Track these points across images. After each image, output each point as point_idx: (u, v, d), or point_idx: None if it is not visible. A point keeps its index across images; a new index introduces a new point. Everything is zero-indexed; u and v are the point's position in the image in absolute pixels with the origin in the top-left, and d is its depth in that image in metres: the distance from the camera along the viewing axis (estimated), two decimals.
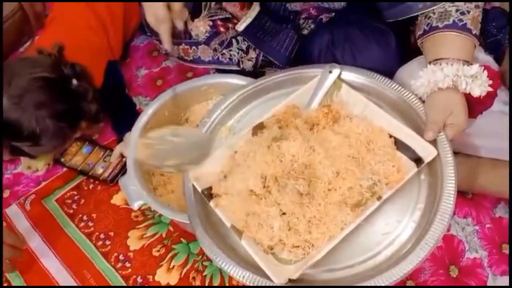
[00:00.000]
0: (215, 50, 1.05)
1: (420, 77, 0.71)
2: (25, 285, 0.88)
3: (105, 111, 0.95)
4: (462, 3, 0.71)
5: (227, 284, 0.85)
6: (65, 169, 1.05)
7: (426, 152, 0.66)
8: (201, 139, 0.79)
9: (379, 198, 0.63)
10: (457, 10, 0.71)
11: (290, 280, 0.60)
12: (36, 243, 0.93)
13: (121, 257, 0.90)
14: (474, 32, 0.71)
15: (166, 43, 0.83)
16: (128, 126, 0.91)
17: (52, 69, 0.83)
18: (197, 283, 0.86)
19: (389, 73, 0.81)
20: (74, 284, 0.87)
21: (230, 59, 1.05)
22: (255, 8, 0.97)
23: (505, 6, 0.98)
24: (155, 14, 0.81)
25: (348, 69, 0.79)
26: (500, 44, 0.83)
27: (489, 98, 0.71)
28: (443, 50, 0.71)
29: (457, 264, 0.85)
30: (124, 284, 0.87)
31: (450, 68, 0.67)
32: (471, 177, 0.84)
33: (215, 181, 0.70)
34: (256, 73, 1.06)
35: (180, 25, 0.83)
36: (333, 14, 0.97)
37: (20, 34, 1.25)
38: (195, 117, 0.99)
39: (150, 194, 0.82)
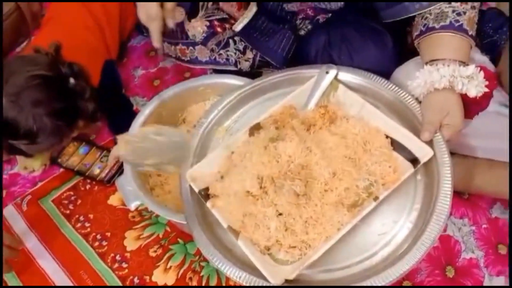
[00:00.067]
0: (212, 50, 1.06)
1: (417, 77, 0.71)
2: (21, 285, 0.88)
3: (102, 111, 0.95)
4: (458, 4, 0.72)
5: (224, 285, 0.85)
6: (61, 169, 1.05)
7: (423, 152, 0.67)
8: (183, 139, 0.79)
9: (375, 198, 0.63)
10: (453, 11, 0.72)
11: (286, 281, 0.60)
12: (32, 243, 0.93)
13: (117, 257, 0.90)
14: (470, 33, 0.71)
15: (155, 41, 0.83)
16: (125, 127, 0.90)
17: (50, 68, 0.82)
18: (194, 283, 0.86)
19: (386, 74, 0.82)
20: (71, 285, 0.87)
21: (227, 59, 1.05)
22: (252, 9, 0.97)
23: (501, 6, 0.99)
24: (147, 11, 0.81)
25: (345, 70, 0.79)
26: (496, 45, 0.83)
27: (485, 99, 0.71)
28: (440, 51, 0.71)
29: (453, 264, 0.85)
30: (121, 285, 0.86)
31: (446, 69, 0.68)
32: (468, 178, 0.85)
33: (212, 181, 0.70)
34: (253, 73, 1.06)
35: (170, 24, 0.83)
36: (330, 14, 0.97)
37: (17, 34, 1.25)
38: (192, 117, 0.99)
39: (147, 195, 0.82)
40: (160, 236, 0.93)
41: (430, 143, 0.67)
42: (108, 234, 0.94)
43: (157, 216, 0.95)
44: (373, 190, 0.64)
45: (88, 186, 1.02)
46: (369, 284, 0.59)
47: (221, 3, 1.05)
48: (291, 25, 0.99)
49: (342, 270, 0.63)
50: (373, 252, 0.63)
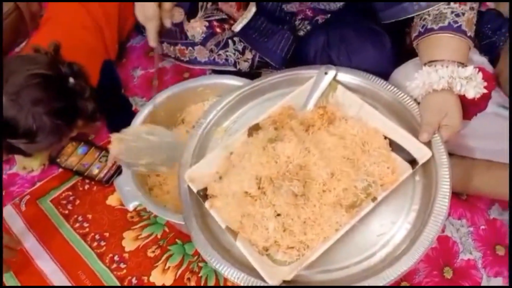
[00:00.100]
0: (211, 51, 1.06)
1: (415, 78, 0.71)
2: (19, 285, 0.88)
3: (101, 111, 0.95)
4: (457, 5, 0.72)
5: (222, 285, 0.85)
6: (60, 169, 1.04)
7: (421, 153, 0.67)
8: (175, 140, 0.80)
9: (374, 199, 0.64)
10: (452, 12, 0.72)
11: (284, 281, 0.60)
12: (30, 243, 0.93)
13: (116, 258, 0.90)
14: (468, 34, 0.71)
15: (151, 41, 0.84)
16: (124, 127, 0.90)
17: (50, 67, 0.82)
18: (192, 284, 0.86)
19: (385, 74, 0.82)
20: (69, 285, 0.87)
21: (226, 60, 1.05)
22: (251, 9, 0.97)
23: (500, 7, 0.99)
24: (144, 10, 0.81)
25: (344, 71, 0.79)
26: (495, 46, 0.84)
27: (484, 100, 0.71)
28: (438, 52, 0.71)
29: (451, 265, 0.85)
30: (119, 285, 0.86)
31: (445, 70, 0.68)
32: (466, 179, 0.85)
33: (211, 182, 0.70)
34: (252, 74, 1.06)
35: (167, 24, 0.83)
36: (329, 15, 0.97)
37: (16, 34, 1.25)
38: (191, 117, 0.99)
39: (145, 195, 0.82)
40: (159, 236, 0.93)
41: (428, 144, 0.68)
42: (107, 234, 0.93)
43: (155, 216, 0.95)
44: (372, 190, 0.64)
45: (86, 186, 1.02)
46: (367, 285, 0.59)
47: (220, 4, 1.05)
48: (290, 25, 0.99)
49: (340, 271, 0.63)
50: (371, 252, 0.64)
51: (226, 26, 1.04)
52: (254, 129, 0.73)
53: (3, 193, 1.01)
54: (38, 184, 1.03)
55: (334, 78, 0.78)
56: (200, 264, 0.88)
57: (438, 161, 0.66)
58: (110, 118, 1.08)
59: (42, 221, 0.96)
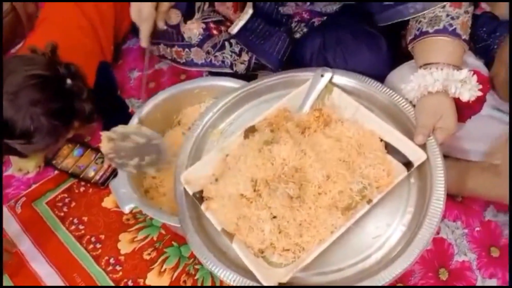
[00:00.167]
0: (208, 52, 1.06)
1: (411, 81, 0.71)
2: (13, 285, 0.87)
3: (98, 112, 0.95)
4: (451, 9, 0.72)
5: (218, 285, 0.85)
6: (56, 171, 1.04)
7: (416, 155, 0.67)
8: (161, 142, 0.81)
9: (369, 201, 0.64)
10: (447, 15, 0.72)
11: (280, 284, 0.60)
12: (26, 246, 0.92)
13: (111, 260, 0.90)
14: (463, 37, 0.71)
15: (144, 41, 0.84)
16: None
17: (47, 68, 0.83)
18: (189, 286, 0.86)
19: (380, 77, 0.82)
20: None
21: (223, 61, 1.05)
22: (248, 11, 0.97)
23: (495, 10, 1.00)
24: (139, 10, 0.81)
25: (340, 73, 0.79)
26: (490, 49, 0.84)
27: (478, 103, 0.71)
28: (433, 55, 0.71)
29: (446, 267, 0.85)
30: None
31: (440, 73, 0.68)
32: (461, 181, 0.85)
33: (207, 184, 0.70)
34: (248, 76, 1.06)
35: (161, 26, 0.83)
36: (325, 17, 0.98)
37: (12, 35, 1.24)
38: (187, 119, 0.99)
39: (141, 198, 0.82)
40: (155, 238, 0.92)
41: (423, 146, 0.68)
42: (102, 236, 0.93)
43: (151, 218, 0.95)
44: (367, 193, 0.64)
45: (82, 189, 1.02)
46: (363, 285, 0.59)
47: (217, 6, 1.06)
48: (286, 28, 0.99)
49: (336, 273, 0.63)
50: (367, 254, 0.64)
51: (223, 28, 1.04)
52: (250, 131, 0.73)
53: None
54: (34, 186, 1.02)
55: (330, 81, 0.78)
56: (196, 267, 0.88)
57: (433, 163, 0.67)
58: (106, 120, 1.08)
59: (37, 224, 0.96)
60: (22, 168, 1.04)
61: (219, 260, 0.63)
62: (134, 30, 1.26)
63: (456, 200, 0.93)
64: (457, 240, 0.88)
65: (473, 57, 0.83)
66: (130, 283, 0.87)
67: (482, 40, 0.86)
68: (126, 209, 0.81)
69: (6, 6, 1.18)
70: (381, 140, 0.71)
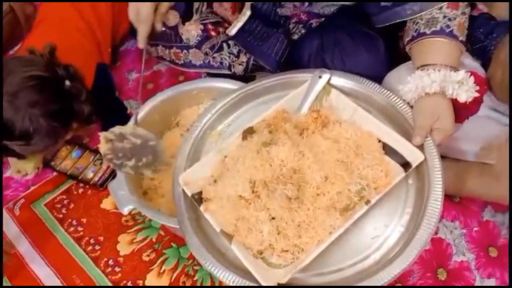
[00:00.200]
0: (206, 54, 1.06)
1: (408, 82, 0.71)
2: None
3: (96, 114, 0.95)
4: (449, 10, 0.73)
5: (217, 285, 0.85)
6: (54, 173, 1.04)
7: (414, 156, 0.67)
8: (157, 144, 0.81)
9: (367, 202, 0.64)
10: (444, 17, 0.72)
11: (279, 284, 0.60)
12: (25, 248, 0.92)
13: (110, 262, 0.90)
14: (460, 39, 0.72)
15: (141, 43, 0.84)
16: None
17: (46, 69, 0.83)
18: None
19: (378, 78, 0.82)
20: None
21: (221, 63, 1.06)
22: (246, 13, 0.97)
23: (493, 11, 1.00)
24: (138, 11, 0.81)
25: (338, 74, 0.79)
26: (487, 50, 0.84)
27: (476, 104, 0.72)
28: (431, 56, 0.72)
29: (445, 267, 0.86)
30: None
31: (437, 74, 0.68)
32: (459, 181, 0.86)
33: (205, 185, 0.70)
34: (246, 77, 1.06)
35: (159, 27, 0.84)
36: (323, 19, 0.98)
37: (11, 36, 1.24)
38: (185, 121, 0.99)
39: (139, 199, 0.82)
40: (154, 240, 0.93)
41: (421, 147, 0.68)
42: (101, 238, 0.93)
43: (150, 220, 0.95)
44: (365, 194, 0.65)
45: (81, 190, 1.02)
46: (362, 285, 0.59)
47: (215, 7, 1.06)
48: (284, 29, 0.99)
49: (334, 274, 0.63)
50: (365, 255, 0.64)
51: (221, 29, 1.04)
52: (249, 132, 0.74)
53: None
54: (32, 188, 1.02)
55: (328, 82, 0.78)
56: (196, 268, 0.88)
57: (431, 164, 0.67)
58: (105, 121, 1.08)
59: (36, 225, 0.96)
60: (21, 169, 1.04)
61: (218, 261, 0.63)
62: (132, 32, 1.26)
63: (454, 201, 0.94)
64: (455, 240, 0.89)
65: (470, 58, 0.83)
66: (129, 284, 0.87)
67: (479, 41, 0.87)
68: (125, 210, 0.81)
69: (4, 7, 1.18)
70: (379, 141, 0.71)
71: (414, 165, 0.67)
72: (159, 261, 0.89)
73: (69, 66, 0.87)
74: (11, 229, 0.95)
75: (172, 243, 0.92)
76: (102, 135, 0.80)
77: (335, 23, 0.96)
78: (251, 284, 0.61)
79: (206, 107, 0.84)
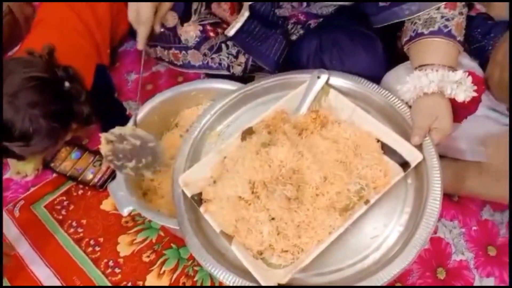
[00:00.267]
0: (205, 54, 1.06)
1: (407, 82, 0.72)
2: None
3: (95, 115, 0.95)
4: (446, 10, 0.73)
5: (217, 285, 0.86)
6: (54, 174, 1.04)
7: (413, 156, 0.68)
8: (156, 145, 0.81)
9: (366, 202, 0.64)
10: (442, 17, 0.73)
11: (279, 285, 0.60)
12: (25, 249, 0.92)
13: (111, 263, 0.90)
14: (458, 39, 0.72)
15: (140, 44, 0.83)
16: None
17: (46, 70, 0.83)
18: None
19: (376, 78, 0.83)
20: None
21: (220, 63, 1.06)
22: (245, 13, 0.97)
23: (490, 11, 1.00)
24: (138, 13, 0.81)
25: (336, 75, 0.80)
26: (485, 50, 0.85)
27: (474, 103, 0.72)
28: (428, 56, 0.72)
29: (444, 266, 0.86)
30: None
31: (435, 74, 0.69)
32: (457, 181, 0.86)
33: (205, 186, 0.70)
34: (245, 78, 1.07)
35: (158, 29, 0.84)
36: (321, 19, 0.98)
37: (9, 37, 1.24)
38: (184, 122, 0.99)
39: (139, 200, 0.82)
40: (153, 241, 0.93)
41: (419, 147, 0.68)
42: (101, 239, 0.93)
43: (150, 221, 0.95)
44: (364, 193, 0.65)
45: (80, 191, 1.02)
46: (362, 285, 0.59)
47: (213, 8, 1.06)
48: (283, 29, 0.99)
49: (334, 273, 0.64)
50: (365, 255, 0.64)
51: (220, 30, 1.04)
52: (248, 133, 0.74)
53: None
54: (32, 189, 1.03)
55: (327, 82, 0.79)
56: (196, 268, 0.88)
57: (429, 163, 0.67)
58: (104, 122, 1.08)
59: (36, 227, 0.96)
60: (21, 171, 1.04)
61: (218, 262, 0.64)
62: (131, 33, 1.26)
63: (453, 200, 0.94)
64: (454, 240, 0.89)
65: (468, 58, 0.84)
66: (129, 285, 0.87)
67: (476, 41, 0.87)
68: (125, 212, 0.81)
69: (3, 8, 1.18)
70: (378, 141, 0.71)
71: (413, 164, 0.67)
72: (159, 262, 0.89)
73: (69, 67, 0.87)
74: (11, 230, 0.95)
75: (172, 244, 0.92)
76: (103, 136, 0.80)
77: (334, 23, 0.96)
78: (251, 284, 0.61)
79: (205, 108, 0.84)
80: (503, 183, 0.77)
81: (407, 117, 0.73)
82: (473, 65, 0.82)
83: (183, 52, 1.08)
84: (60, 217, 0.97)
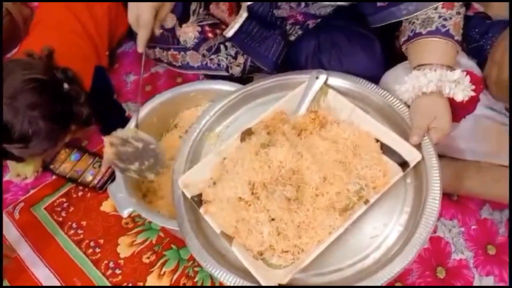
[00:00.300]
0: (203, 55, 1.06)
1: (405, 82, 0.72)
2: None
3: (95, 116, 0.95)
4: (444, 10, 0.73)
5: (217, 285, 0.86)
6: (54, 176, 1.04)
7: (412, 156, 0.68)
8: (157, 147, 0.82)
9: (366, 202, 0.64)
10: (439, 17, 0.73)
11: (280, 285, 0.61)
12: (25, 251, 0.92)
13: (111, 264, 0.90)
14: (456, 38, 0.72)
15: (141, 47, 0.83)
16: None
17: (45, 72, 0.83)
18: None
19: (375, 78, 0.83)
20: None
21: (219, 64, 1.06)
22: (243, 14, 0.98)
23: (488, 10, 1.01)
24: (138, 16, 0.81)
25: (335, 75, 0.80)
26: (483, 50, 0.85)
27: (472, 103, 0.72)
28: (427, 56, 0.72)
29: (444, 265, 0.86)
30: None
31: (433, 74, 0.69)
32: (457, 180, 0.86)
33: (205, 187, 0.70)
34: (244, 78, 1.07)
35: (157, 32, 0.84)
36: (319, 20, 0.98)
37: (8, 39, 1.24)
38: (184, 123, 0.99)
39: (139, 202, 0.82)
40: (154, 242, 0.93)
41: (418, 146, 0.69)
42: (101, 241, 0.93)
43: (150, 222, 0.95)
44: (364, 193, 0.65)
45: (80, 193, 1.02)
46: (362, 285, 0.60)
47: (212, 9, 1.06)
48: (281, 30, 1.00)
49: (334, 273, 0.64)
50: (365, 254, 0.64)
51: (218, 31, 1.05)
52: (247, 134, 0.74)
53: None
54: (32, 191, 1.03)
55: (325, 83, 0.79)
56: (196, 269, 0.88)
57: (428, 163, 0.67)
58: (103, 124, 1.08)
59: (36, 229, 0.96)
60: (20, 173, 1.04)
61: (219, 262, 0.64)
62: (130, 34, 1.27)
63: (452, 199, 0.94)
64: (453, 239, 0.89)
65: (466, 58, 0.84)
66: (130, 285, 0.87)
67: (474, 41, 0.87)
68: (125, 213, 0.81)
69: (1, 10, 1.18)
70: (377, 141, 0.71)
71: (412, 164, 0.67)
72: (159, 263, 0.90)
73: (68, 69, 0.87)
74: (11, 233, 0.95)
75: (172, 245, 0.92)
76: (107, 139, 0.80)
77: (332, 24, 0.96)
78: (252, 285, 0.61)
79: (204, 109, 0.84)
80: (502, 183, 0.77)
81: (406, 117, 0.73)
82: (471, 65, 0.82)
83: (182, 53, 1.09)
84: (60, 219, 0.97)
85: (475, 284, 0.84)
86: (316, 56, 0.93)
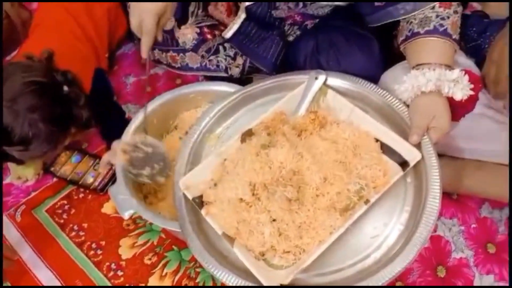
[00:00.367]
0: (202, 57, 1.06)
1: (404, 82, 0.72)
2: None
3: (95, 118, 0.95)
4: (441, 9, 0.73)
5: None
6: (55, 178, 1.04)
7: (411, 155, 0.68)
8: (164, 151, 0.82)
9: (366, 201, 0.65)
10: (437, 16, 0.73)
11: (282, 285, 0.61)
12: (27, 254, 0.93)
13: (113, 266, 0.90)
14: (454, 37, 0.73)
15: (144, 53, 0.83)
16: (118, 134, 0.91)
17: (44, 74, 0.83)
18: None
19: (373, 78, 0.83)
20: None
21: (218, 65, 1.06)
22: (241, 15, 0.98)
23: (486, 9, 1.01)
24: (141, 23, 0.81)
25: (334, 75, 0.80)
26: (481, 49, 0.85)
27: (471, 102, 0.72)
28: (425, 55, 0.72)
29: (444, 264, 0.86)
30: None
31: (432, 73, 0.69)
32: (456, 179, 0.86)
33: (206, 189, 0.70)
34: (243, 79, 1.07)
35: (160, 38, 0.84)
36: (318, 20, 0.98)
37: (7, 42, 1.24)
38: (183, 124, 0.99)
39: (140, 203, 0.82)
40: (155, 243, 0.93)
41: (418, 146, 0.69)
42: (103, 242, 0.94)
43: (151, 223, 0.95)
44: (364, 193, 0.65)
45: (81, 195, 1.02)
46: (363, 285, 0.60)
47: (210, 10, 1.06)
48: (279, 31, 1.00)
49: (336, 273, 0.64)
50: (365, 254, 0.65)
51: (217, 32, 1.05)
52: (247, 134, 0.74)
53: None
54: (33, 194, 1.03)
55: (325, 83, 0.79)
56: (197, 270, 0.88)
57: (428, 162, 0.68)
58: (103, 126, 1.08)
59: (38, 231, 0.96)
60: (21, 176, 1.04)
61: (221, 263, 0.64)
62: (129, 36, 1.27)
63: (452, 198, 0.94)
64: (454, 238, 0.89)
65: (464, 57, 0.84)
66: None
67: (472, 40, 0.87)
68: (126, 215, 0.81)
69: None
70: (377, 140, 0.72)
71: (412, 163, 0.68)
72: (160, 264, 0.90)
73: (67, 71, 0.87)
74: (13, 235, 0.95)
75: (173, 246, 0.92)
76: (119, 147, 0.81)
77: (330, 24, 0.96)
78: (253, 285, 0.61)
79: (204, 110, 0.84)
80: (502, 181, 0.78)
81: (405, 116, 0.73)
82: (469, 64, 0.82)
83: (181, 54, 1.09)
84: (62, 221, 0.98)
85: (475, 282, 0.84)
86: (315, 57, 0.93)
